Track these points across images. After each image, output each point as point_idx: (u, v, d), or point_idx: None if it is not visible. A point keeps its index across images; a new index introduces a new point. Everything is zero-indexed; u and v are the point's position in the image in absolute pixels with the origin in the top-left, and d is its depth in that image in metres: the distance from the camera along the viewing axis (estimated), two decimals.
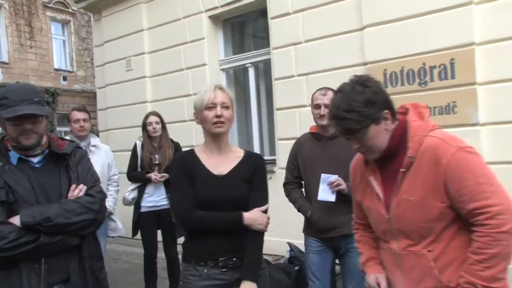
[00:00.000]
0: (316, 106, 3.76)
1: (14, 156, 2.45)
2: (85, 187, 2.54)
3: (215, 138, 2.72)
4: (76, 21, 23.51)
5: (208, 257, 2.60)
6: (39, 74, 21.33)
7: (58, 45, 23.38)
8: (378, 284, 2.25)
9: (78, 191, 2.50)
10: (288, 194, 3.99)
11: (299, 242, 4.17)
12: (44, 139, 2.55)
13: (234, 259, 2.61)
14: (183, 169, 2.68)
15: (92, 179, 2.63)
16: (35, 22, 21.75)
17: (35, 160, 2.51)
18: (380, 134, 2.06)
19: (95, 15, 10.46)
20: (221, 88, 2.72)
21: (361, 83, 2.05)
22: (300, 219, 4.01)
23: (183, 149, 5.52)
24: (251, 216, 2.60)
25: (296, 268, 5.69)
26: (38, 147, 2.50)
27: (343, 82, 6.59)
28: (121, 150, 7.58)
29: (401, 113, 2.17)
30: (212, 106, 2.64)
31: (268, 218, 2.69)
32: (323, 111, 3.70)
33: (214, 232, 2.58)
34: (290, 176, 4.00)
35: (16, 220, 2.27)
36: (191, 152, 2.79)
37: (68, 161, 2.56)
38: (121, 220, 5.34)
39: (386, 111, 2.06)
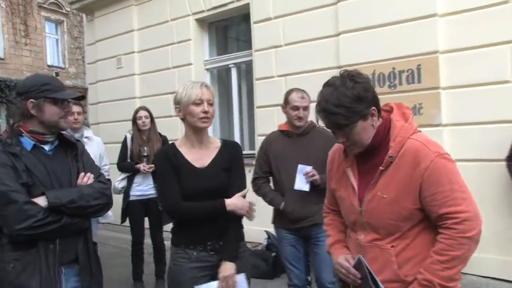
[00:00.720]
0: (295, 108, 3.74)
1: (28, 142, 2.38)
2: (92, 175, 2.52)
3: (198, 132, 2.68)
4: (69, 21, 23.15)
5: (197, 242, 2.61)
6: (33, 70, 20.88)
7: (51, 43, 22.99)
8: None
9: (87, 178, 2.47)
10: (257, 188, 3.93)
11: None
12: None
13: (221, 243, 2.61)
14: (167, 163, 2.65)
15: (96, 169, 2.62)
16: (30, 21, 21.41)
17: (47, 147, 2.46)
18: (366, 130, 1.95)
19: (88, 16, 10.29)
20: (206, 86, 2.68)
21: (351, 79, 1.92)
22: (271, 210, 3.98)
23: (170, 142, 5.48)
24: (233, 202, 2.61)
25: (273, 254, 5.67)
26: (52, 134, 2.47)
27: (319, 83, 6.58)
28: (111, 142, 7.44)
29: (386, 111, 2.08)
30: (199, 102, 2.60)
31: (249, 202, 2.70)
32: (301, 113, 3.74)
33: (201, 220, 2.59)
34: (259, 172, 3.95)
35: (40, 201, 2.24)
36: (173, 146, 2.75)
37: (76, 151, 2.54)
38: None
39: (374, 107, 1.95)
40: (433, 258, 1.86)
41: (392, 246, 1.95)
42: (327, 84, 1.98)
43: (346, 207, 2.15)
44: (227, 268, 2.54)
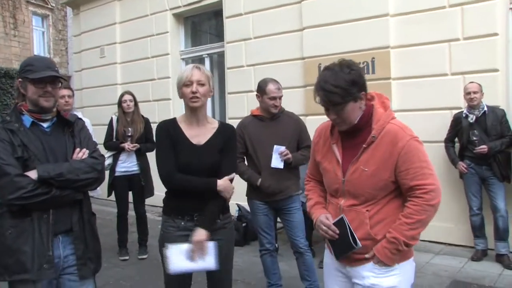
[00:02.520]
0: (272, 98, 3.64)
1: (27, 120, 2.27)
2: (87, 151, 2.36)
3: (193, 111, 2.50)
4: (54, 15, 22.29)
5: (185, 213, 2.48)
6: (21, 59, 19.80)
7: (38, 35, 22.09)
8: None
9: (82, 154, 2.32)
10: None
11: (246, 203, 4.06)
12: (54, 108, 2.38)
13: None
14: (166, 135, 2.49)
15: (93, 145, 2.44)
16: (19, 15, 20.62)
17: (45, 125, 2.32)
18: (355, 111, 2.00)
19: (74, 10, 9.85)
20: (198, 67, 2.48)
21: (348, 66, 1.97)
22: (245, 184, 3.84)
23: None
24: (223, 184, 2.46)
25: (244, 224, 5.61)
26: (50, 113, 2.33)
27: (284, 72, 6.39)
28: (94, 124, 7.12)
29: (368, 99, 2.10)
30: (189, 84, 2.42)
31: (233, 188, 2.56)
32: (278, 102, 3.67)
33: (191, 193, 2.45)
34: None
35: (32, 174, 2.13)
36: (173, 121, 2.57)
37: (73, 128, 2.41)
38: None
39: (363, 92, 2.01)
40: (401, 221, 1.96)
41: (367, 210, 2.02)
42: (327, 68, 2.02)
43: (329, 178, 2.16)
44: (200, 233, 2.38)
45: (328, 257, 2.26)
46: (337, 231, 2.05)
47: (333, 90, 1.92)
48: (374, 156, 1.98)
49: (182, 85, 2.44)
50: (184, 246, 2.38)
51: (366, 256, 2.03)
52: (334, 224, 2.07)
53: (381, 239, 1.99)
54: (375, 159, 1.98)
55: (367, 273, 2.04)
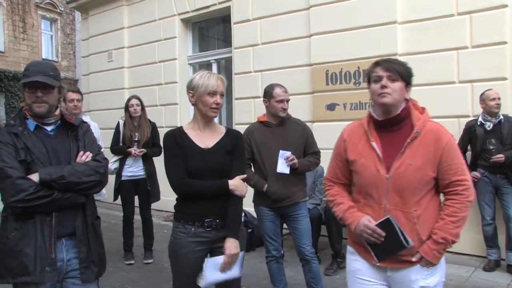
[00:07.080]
0: (280, 101, 3.64)
1: (31, 123, 2.29)
2: (91, 154, 2.37)
3: (206, 118, 2.53)
4: (62, 19, 22.48)
5: (196, 218, 2.48)
6: None
7: (46, 39, 22.30)
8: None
9: (85, 157, 2.33)
10: None
11: (251, 209, 4.07)
12: (57, 111, 2.38)
13: (218, 220, 2.48)
14: (174, 142, 2.50)
15: (96, 148, 2.46)
16: (28, 19, 20.85)
17: (49, 128, 2.34)
18: (402, 92, 2.10)
19: (83, 14, 9.92)
20: (221, 79, 2.51)
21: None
22: (251, 190, 3.74)
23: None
24: (235, 183, 2.48)
25: (249, 230, 5.57)
26: (51, 117, 2.34)
27: (292, 78, 6.38)
28: (101, 128, 7.14)
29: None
30: (213, 94, 2.44)
31: (246, 186, 2.59)
32: (286, 105, 3.67)
33: (203, 197, 2.45)
34: None
35: (34, 177, 2.14)
36: (180, 129, 2.59)
37: (77, 132, 2.41)
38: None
39: (409, 86, 2.16)
40: (445, 220, 2.03)
41: (414, 210, 2.05)
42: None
43: (369, 175, 2.14)
44: (233, 246, 2.43)
45: (359, 263, 2.21)
46: (383, 234, 2.04)
47: (397, 64, 2.14)
48: (419, 151, 2.05)
49: (207, 93, 2.43)
50: (220, 259, 2.40)
51: (413, 259, 2.05)
52: (378, 226, 2.06)
53: (425, 240, 2.04)
54: (420, 154, 2.04)
55: (416, 276, 2.06)
